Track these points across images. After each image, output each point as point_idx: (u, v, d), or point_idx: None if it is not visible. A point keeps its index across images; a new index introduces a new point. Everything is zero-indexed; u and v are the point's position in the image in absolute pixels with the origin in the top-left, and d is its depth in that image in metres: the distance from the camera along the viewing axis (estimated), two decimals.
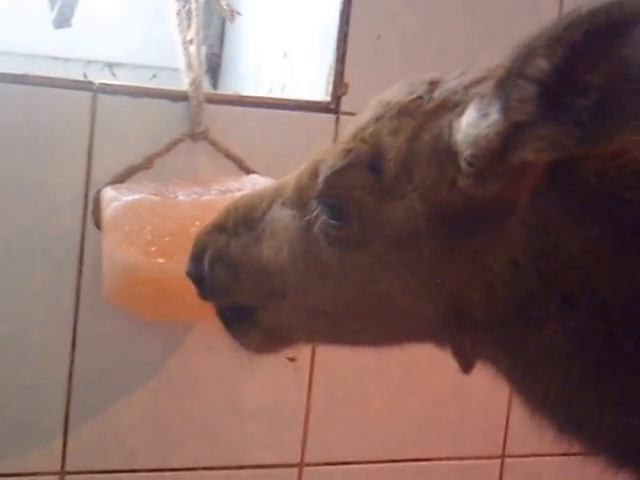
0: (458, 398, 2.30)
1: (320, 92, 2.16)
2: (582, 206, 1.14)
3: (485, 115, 1.09)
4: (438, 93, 1.22)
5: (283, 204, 1.38)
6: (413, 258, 1.20)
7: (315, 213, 1.29)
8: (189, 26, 2.08)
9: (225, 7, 2.16)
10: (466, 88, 1.20)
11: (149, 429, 2.08)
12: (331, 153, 1.29)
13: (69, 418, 2.02)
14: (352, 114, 2.05)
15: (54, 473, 2.02)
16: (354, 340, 1.41)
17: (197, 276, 1.50)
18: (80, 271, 1.98)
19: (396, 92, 1.27)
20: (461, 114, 1.15)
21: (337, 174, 1.25)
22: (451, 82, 1.23)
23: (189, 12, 2.09)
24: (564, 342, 1.15)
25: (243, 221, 1.44)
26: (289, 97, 2.19)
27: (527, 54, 1.02)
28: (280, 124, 2.09)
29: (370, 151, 1.23)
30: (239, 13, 2.20)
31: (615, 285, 1.13)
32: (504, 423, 2.36)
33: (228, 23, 2.57)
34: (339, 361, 2.18)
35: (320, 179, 1.28)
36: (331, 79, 2.13)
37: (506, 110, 1.06)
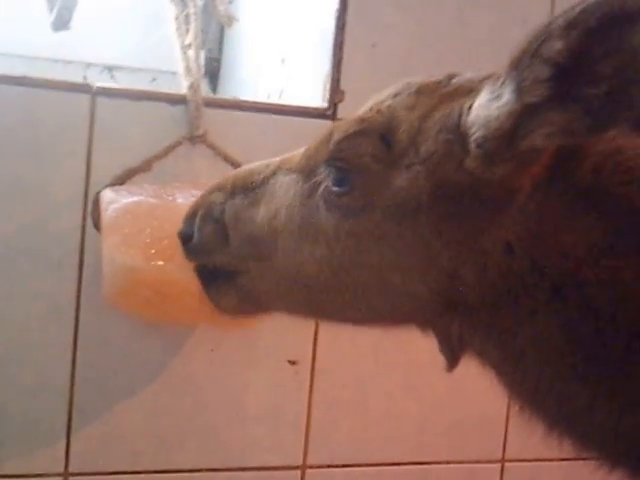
0: (458, 402, 2.30)
1: (317, 98, 2.18)
2: (578, 199, 1.16)
3: (498, 96, 1.11)
4: (456, 80, 1.27)
5: (289, 169, 1.40)
6: (410, 232, 1.22)
7: (320, 177, 1.31)
8: (187, 31, 2.09)
9: (223, 13, 2.18)
10: (482, 79, 1.22)
11: (151, 431, 2.09)
12: (346, 121, 1.32)
13: (72, 420, 2.03)
14: None
15: (58, 474, 2.03)
16: (333, 314, 1.41)
17: (187, 234, 1.51)
18: (80, 272, 1.99)
19: (417, 78, 1.30)
20: (474, 97, 1.18)
21: (349, 138, 1.28)
22: (469, 74, 1.27)
23: (187, 17, 2.10)
24: (554, 335, 1.16)
25: (242, 183, 1.46)
26: (287, 103, 2.22)
27: (543, 35, 1.04)
28: (278, 129, 2.10)
29: (384, 122, 1.26)
30: (236, 19, 2.21)
31: (604, 281, 1.14)
32: (504, 427, 2.37)
33: (227, 28, 2.58)
34: (340, 365, 2.20)
35: (332, 141, 1.30)
36: (328, 86, 2.15)
37: (519, 90, 1.07)
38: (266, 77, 2.47)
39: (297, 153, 1.42)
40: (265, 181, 1.43)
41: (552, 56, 1.03)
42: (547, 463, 2.38)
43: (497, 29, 2.20)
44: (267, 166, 1.45)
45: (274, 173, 1.43)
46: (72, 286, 1.99)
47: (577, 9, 1.00)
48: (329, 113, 2.14)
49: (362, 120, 1.29)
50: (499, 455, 2.38)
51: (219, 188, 1.49)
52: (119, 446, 2.07)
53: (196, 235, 1.49)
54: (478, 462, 2.37)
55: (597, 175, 1.16)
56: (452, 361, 1.30)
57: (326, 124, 2.10)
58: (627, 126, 1.04)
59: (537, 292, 1.16)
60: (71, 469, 2.04)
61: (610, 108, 1.02)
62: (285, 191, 1.38)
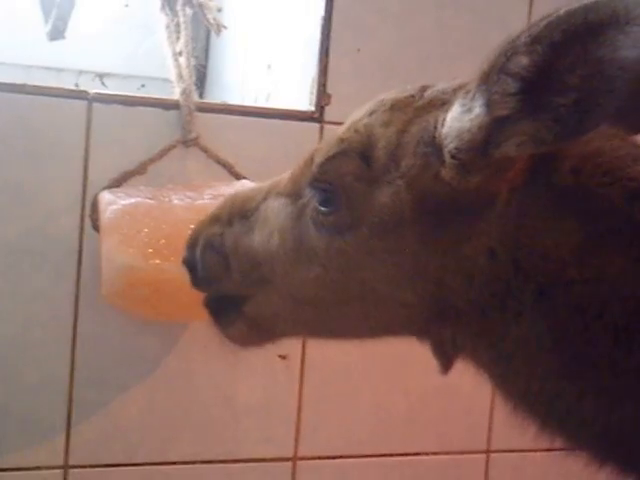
0: (444, 395, 2.33)
1: (304, 102, 2.22)
2: (558, 201, 1.17)
3: (469, 109, 1.13)
4: (429, 92, 1.27)
5: (278, 194, 1.41)
6: (397, 245, 1.23)
7: (307, 199, 1.33)
8: (178, 39, 2.13)
9: (212, 21, 2.21)
10: (455, 90, 1.23)
11: (148, 424, 2.11)
12: (326, 142, 1.33)
13: (71, 414, 2.05)
14: (335, 123, 2.14)
15: (58, 467, 2.05)
16: (337, 331, 1.43)
17: (190, 263, 1.52)
18: (79, 272, 2.02)
19: (390, 93, 1.32)
20: (448, 110, 1.19)
21: (330, 160, 1.29)
22: (441, 85, 1.28)
23: (178, 25, 2.14)
24: (542, 335, 1.17)
25: (238, 212, 1.46)
26: (276, 107, 2.25)
27: (509, 50, 1.05)
28: (268, 132, 2.14)
29: (362, 141, 1.27)
30: (225, 26, 2.24)
31: (588, 279, 1.15)
32: (488, 419, 2.39)
33: (213, 36, 2.62)
34: (329, 359, 2.23)
35: (314, 165, 1.32)
36: (314, 90, 2.19)
37: (488, 104, 1.09)
38: (252, 82, 2.51)
39: (284, 176, 1.43)
40: (257, 207, 1.44)
41: (519, 71, 1.05)
42: (531, 454, 2.41)
43: (476, 31, 2.25)
44: (258, 192, 1.47)
45: (265, 198, 1.44)
46: (71, 286, 2.02)
47: (541, 24, 1.02)
48: (316, 116, 2.18)
49: (341, 140, 1.30)
50: (484, 446, 2.41)
51: (216, 219, 1.50)
52: (117, 439, 2.10)
53: (200, 266, 1.50)
54: (464, 453, 2.39)
55: (577, 176, 1.17)
56: (446, 365, 1.31)
57: (313, 127, 2.17)
58: (606, 124, 1.06)
59: (523, 294, 1.17)
60: (71, 462, 2.06)
61: (579, 116, 1.04)
62: (276, 215, 1.39)
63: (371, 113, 1.30)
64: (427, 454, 2.36)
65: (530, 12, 2.32)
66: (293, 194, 1.38)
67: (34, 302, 2.01)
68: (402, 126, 1.25)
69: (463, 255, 1.19)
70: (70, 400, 2.05)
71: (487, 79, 1.09)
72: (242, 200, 1.49)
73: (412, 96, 1.28)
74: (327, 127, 2.18)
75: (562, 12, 1.00)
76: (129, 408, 2.10)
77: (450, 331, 1.26)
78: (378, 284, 1.27)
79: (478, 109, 1.11)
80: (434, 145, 1.19)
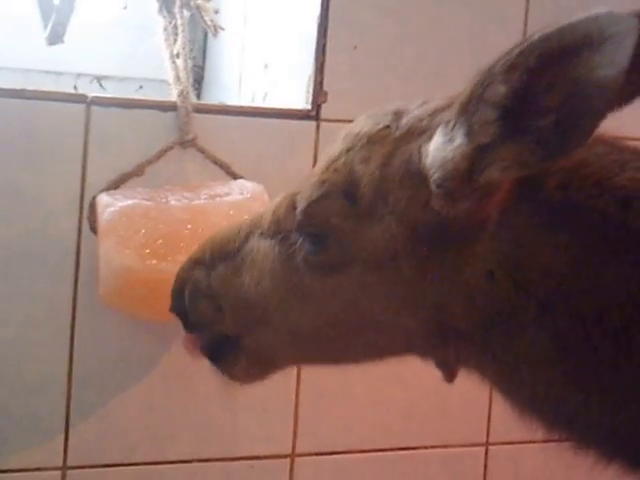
0: (442, 389, 2.19)
1: (301, 100, 2.22)
2: (550, 218, 1.18)
3: (450, 139, 1.13)
4: (405, 121, 1.26)
5: (261, 234, 1.41)
6: (393, 278, 1.24)
7: (296, 244, 1.32)
8: (175, 41, 2.14)
9: (209, 22, 2.21)
10: (431, 115, 1.24)
11: (146, 424, 2.12)
12: (306, 185, 1.32)
13: (70, 415, 2.06)
14: (332, 121, 2.15)
15: (56, 468, 2.06)
16: (338, 359, 1.44)
17: (180, 311, 1.53)
18: (77, 273, 2.02)
19: (363, 124, 1.31)
20: (429, 139, 1.19)
21: (314, 204, 1.29)
22: (416, 111, 1.27)
23: (175, 27, 2.15)
24: (545, 346, 1.18)
25: (220, 254, 1.46)
26: (272, 106, 2.26)
27: (486, 80, 1.06)
28: (264, 131, 2.15)
29: (344, 180, 1.27)
30: (222, 28, 2.25)
31: (588, 289, 1.16)
32: (487, 412, 2.39)
33: (210, 37, 2.63)
34: None
35: (298, 211, 1.32)
36: (311, 88, 2.19)
37: (469, 133, 1.10)
38: (249, 82, 2.52)
39: (265, 214, 1.42)
40: (241, 247, 1.43)
41: (496, 100, 1.06)
42: (530, 445, 2.40)
43: (474, 28, 2.25)
44: (237, 232, 1.46)
45: (247, 239, 1.43)
46: (69, 287, 2.03)
47: (515, 51, 1.02)
48: (313, 114, 2.18)
49: (322, 182, 1.29)
50: (483, 439, 2.42)
51: (198, 262, 1.50)
52: (115, 439, 2.10)
53: (190, 313, 1.50)
54: (463, 446, 2.40)
55: (565, 191, 1.18)
56: (450, 375, 1.35)
57: (310, 125, 2.18)
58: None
59: (525, 312, 1.18)
60: (69, 463, 2.07)
61: (560, 137, 1.05)
62: (264, 257, 1.39)
63: (348, 150, 1.29)
64: (426, 448, 2.37)
65: (527, 9, 2.30)
66: (279, 236, 1.37)
67: (32, 303, 2.01)
68: (383, 160, 1.25)
69: (462, 280, 1.20)
70: (68, 401, 2.06)
71: (466, 109, 1.10)
72: (222, 240, 1.48)
73: (387, 127, 1.28)
74: (324, 125, 2.18)
75: (536, 37, 1.01)
76: (127, 408, 2.10)
77: (453, 349, 1.27)
78: (377, 315, 1.28)
79: (459, 139, 1.12)
80: (420, 176, 1.19)
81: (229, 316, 1.45)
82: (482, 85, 1.07)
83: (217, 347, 1.51)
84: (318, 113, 2.19)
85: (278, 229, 1.38)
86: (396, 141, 1.25)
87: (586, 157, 1.20)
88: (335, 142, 1.34)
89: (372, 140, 1.28)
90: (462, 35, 2.27)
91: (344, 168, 1.28)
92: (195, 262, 1.51)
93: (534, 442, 2.34)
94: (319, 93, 2.19)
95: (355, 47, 2.22)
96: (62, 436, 2.06)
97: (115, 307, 1.93)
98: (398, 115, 1.29)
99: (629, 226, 1.16)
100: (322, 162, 1.33)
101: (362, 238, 1.25)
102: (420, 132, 1.23)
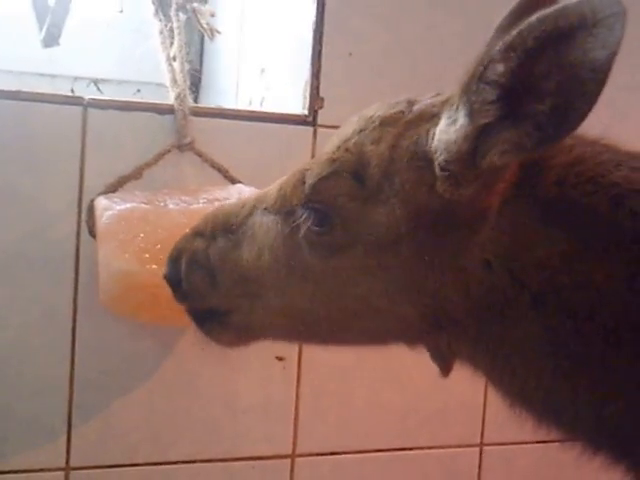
0: (438, 391, 2.35)
1: (297, 105, 2.23)
2: (546, 212, 1.20)
3: (453, 121, 1.17)
4: (417, 107, 1.30)
5: (265, 210, 1.42)
6: (393, 262, 1.25)
7: (300, 220, 1.33)
8: (172, 44, 2.14)
9: (205, 26, 2.22)
10: (443, 103, 1.26)
11: (148, 425, 2.13)
12: (317, 162, 1.34)
13: (72, 417, 2.07)
14: (328, 126, 2.16)
15: (60, 469, 2.07)
16: (329, 341, 1.46)
17: (173, 279, 1.53)
18: (76, 276, 2.03)
19: (377, 108, 1.33)
20: (437, 123, 1.22)
21: (323, 181, 1.30)
22: (428, 100, 1.30)
23: (171, 31, 2.15)
24: (537, 338, 1.20)
25: (222, 226, 1.47)
26: (269, 110, 2.27)
27: (486, 59, 1.09)
28: (261, 136, 2.16)
29: (354, 160, 1.29)
30: (218, 31, 2.26)
31: (579, 285, 1.18)
32: (481, 413, 2.41)
33: (207, 41, 2.63)
34: (325, 358, 2.24)
35: (307, 185, 1.33)
36: (307, 94, 2.21)
37: (470, 113, 1.13)
38: (246, 87, 2.53)
39: (270, 190, 1.44)
40: (244, 222, 1.44)
41: (495, 79, 1.09)
42: (523, 446, 2.44)
43: (467, 35, 2.26)
44: (242, 206, 1.47)
45: (251, 213, 1.44)
46: (69, 290, 2.03)
47: (514, 32, 1.06)
48: (309, 120, 2.20)
49: (333, 161, 1.31)
50: (477, 440, 2.44)
51: (199, 233, 1.50)
52: (117, 441, 2.11)
53: (185, 282, 1.50)
54: (458, 447, 2.42)
55: (561, 187, 1.20)
56: (445, 368, 1.35)
57: (306, 130, 2.19)
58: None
59: (519, 303, 1.21)
60: (72, 464, 2.08)
61: (557, 121, 1.08)
62: (266, 232, 1.40)
63: (360, 131, 1.32)
64: (422, 448, 2.39)
65: None
66: (283, 212, 1.39)
67: (33, 307, 2.02)
68: (393, 141, 1.27)
69: (459, 268, 1.23)
70: (70, 403, 2.07)
71: (467, 89, 1.13)
72: (225, 214, 1.49)
73: (401, 112, 1.30)
74: (320, 130, 2.20)
75: (534, 19, 1.04)
76: (129, 410, 2.12)
77: (446, 339, 1.29)
78: (374, 299, 1.29)
79: (462, 119, 1.15)
80: (427, 159, 1.22)
81: (223, 290, 1.46)
82: (482, 64, 1.10)
83: (205, 315, 1.52)
84: (315, 119, 2.21)
85: (284, 204, 1.39)
86: (407, 124, 1.28)
87: (582, 154, 1.23)
88: (347, 123, 1.36)
89: (384, 122, 1.30)
90: (455, 42, 2.29)
91: (355, 148, 1.30)
92: (196, 233, 1.52)
93: (527, 443, 2.42)
94: (315, 99, 2.21)
95: (350, 54, 2.24)
96: (65, 437, 2.07)
97: (115, 311, 1.94)
98: (411, 103, 1.32)
99: (620, 225, 1.18)
100: (334, 141, 1.35)
101: (366, 220, 1.27)
102: (430, 116, 1.26)
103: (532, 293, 1.20)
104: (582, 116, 1.07)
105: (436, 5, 2.30)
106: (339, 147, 1.32)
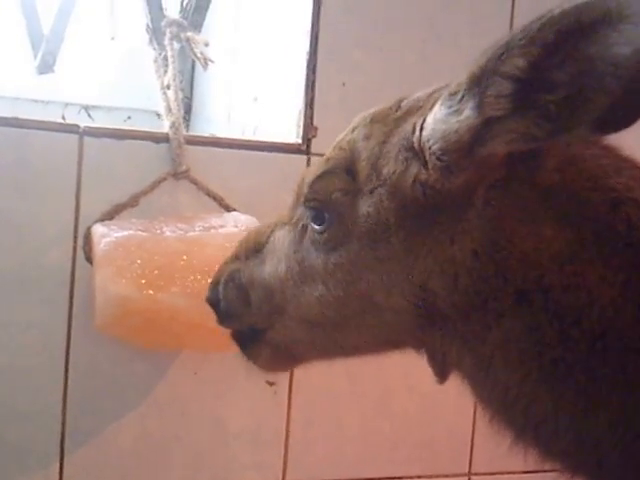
0: (427, 420, 2.36)
1: (290, 134, 2.26)
2: (541, 202, 1.18)
3: (457, 111, 1.15)
4: (405, 103, 1.33)
5: (281, 223, 1.49)
6: (385, 254, 1.27)
7: (303, 220, 1.40)
8: (165, 72, 2.17)
9: (199, 55, 2.24)
10: (429, 96, 1.28)
11: (140, 450, 2.13)
12: (316, 164, 1.40)
13: (64, 442, 2.07)
14: (322, 155, 2.16)
15: None
16: (347, 349, 1.46)
17: (214, 301, 1.59)
18: (71, 302, 2.04)
19: (372, 109, 1.38)
20: (424, 114, 1.22)
21: (318, 179, 1.36)
22: (416, 95, 1.34)
23: (165, 59, 2.18)
24: (520, 338, 1.18)
25: (253, 247, 1.54)
26: (264, 139, 2.28)
27: (502, 53, 1.07)
28: (256, 164, 2.18)
29: (346, 156, 1.33)
30: (212, 61, 2.27)
31: (569, 286, 1.16)
32: (470, 443, 2.41)
33: (198, 69, 2.66)
34: (316, 385, 2.26)
35: (305, 185, 1.39)
36: (301, 123, 2.23)
37: (480, 106, 1.11)
38: (239, 115, 2.55)
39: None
40: (267, 240, 1.51)
41: (515, 72, 1.07)
42: (511, 476, 2.43)
43: (459, 66, 2.22)
44: (268, 226, 1.54)
45: (272, 230, 1.51)
46: (63, 315, 2.04)
47: (535, 26, 1.04)
48: (303, 148, 2.23)
49: (327, 160, 1.37)
50: (466, 469, 2.44)
51: (235, 257, 1.58)
52: (110, 466, 2.11)
53: (223, 303, 1.57)
54: (447, 476, 2.42)
55: (562, 174, 1.18)
56: (441, 375, 1.34)
57: (300, 159, 2.22)
58: (585, 130, 1.08)
59: (502, 296, 1.19)
60: None
61: (568, 112, 1.06)
62: (282, 244, 1.46)
63: (353, 129, 1.37)
64: (411, 477, 2.39)
65: None
66: (293, 220, 1.45)
67: (27, 331, 2.02)
68: (382, 137, 1.30)
69: (447, 257, 1.22)
70: (63, 427, 2.07)
71: (479, 82, 1.12)
72: (255, 235, 1.57)
73: (390, 108, 1.34)
74: (314, 159, 2.21)
75: (556, 13, 1.02)
76: (121, 435, 2.12)
77: (439, 338, 1.28)
78: (373, 294, 1.31)
79: (468, 111, 1.13)
80: (413, 150, 1.23)
81: (255, 307, 1.52)
82: (498, 58, 1.08)
83: (246, 337, 1.59)
84: (308, 147, 2.24)
85: (291, 213, 1.46)
86: (396, 120, 1.30)
87: (582, 154, 1.21)
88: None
89: (374, 119, 1.34)
90: (448, 73, 2.24)
91: (348, 145, 1.35)
92: (233, 257, 1.59)
93: (514, 473, 2.42)
94: (309, 128, 2.24)
95: (344, 84, 2.27)
96: (57, 462, 2.07)
97: (112, 336, 1.95)
98: (401, 100, 1.35)
99: (615, 228, 1.16)
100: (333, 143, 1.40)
101: (358, 213, 1.30)
102: (417, 110, 1.27)
103: (516, 288, 1.18)
104: (597, 110, 1.06)
105: (429, 37, 2.33)
106: (334, 147, 1.38)
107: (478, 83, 1.12)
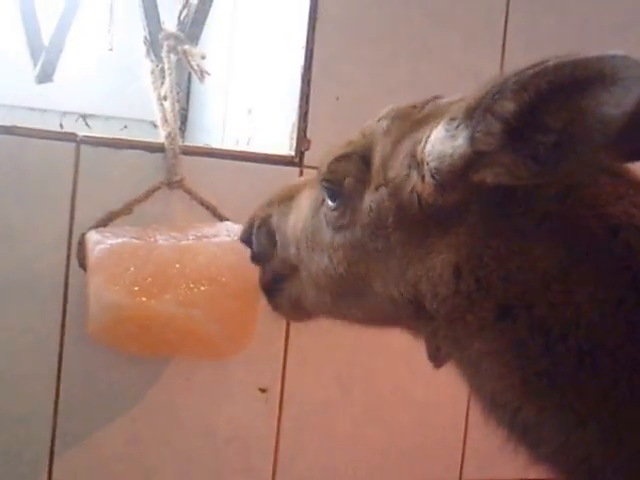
0: (418, 428, 2.37)
1: (283, 145, 2.28)
2: (536, 226, 1.18)
3: (452, 136, 1.16)
4: (430, 105, 1.35)
5: (311, 183, 1.54)
6: (383, 246, 1.31)
7: (322, 194, 1.44)
8: (162, 83, 2.19)
9: (196, 67, 2.25)
10: (450, 104, 1.28)
11: (131, 456, 2.14)
12: (340, 144, 1.43)
13: (54, 447, 2.07)
14: (315, 167, 2.17)
15: None
16: (350, 318, 1.51)
17: (247, 240, 1.73)
18: (65, 307, 2.05)
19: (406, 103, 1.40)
20: (434, 127, 1.22)
21: (336, 161, 1.40)
22: (446, 99, 1.34)
23: (162, 71, 2.20)
24: (504, 351, 1.19)
25: (286, 195, 1.63)
26: (257, 151, 2.31)
27: (497, 93, 1.08)
28: (249, 175, 2.20)
29: (365, 144, 1.37)
30: (208, 73, 2.29)
31: (556, 304, 1.15)
32: (461, 450, 2.40)
33: (194, 81, 2.68)
34: (307, 392, 2.27)
35: (325, 164, 1.43)
36: (295, 135, 2.26)
37: (472, 139, 1.12)
38: (233, 126, 2.58)
39: None
40: (299, 192, 1.59)
41: (504, 115, 1.07)
42: None
43: (450, 82, 2.29)
44: (305, 181, 1.62)
45: (304, 186, 1.59)
46: (56, 321, 2.05)
47: (529, 73, 1.04)
48: (296, 160, 2.25)
49: (349, 143, 1.40)
50: (457, 475, 2.42)
51: (270, 203, 1.68)
52: (101, 471, 2.12)
53: (255, 244, 1.70)
54: None
55: (561, 204, 1.18)
56: (437, 361, 1.36)
57: (293, 171, 2.24)
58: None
59: (483, 311, 1.19)
60: None
61: (556, 158, 1.07)
62: (305, 204, 1.53)
63: (379, 119, 1.39)
64: None
65: (502, 62, 2.41)
66: (316, 187, 1.50)
67: (20, 336, 2.04)
68: (398, 137, 1.32)
69: (431, 266, 1.24)
70: (53, 433, 2.08)
71: (472, 115, 1.12)
72: (291, 186, 1.66)
73: (415, 107, 1.36)
74: (307, 171, 2.24)
75: (550, 64, 1.03)
76: (113, 440, 2.13)
77: (431, 331, 1.31)
78: (372, 280, 1.35)
79: (461, 140, 1.14)
80: (416, 159, 1.25)
81: (279, 251, 1.63)
82: (491, 97, 1.09)
83: (271, 288, 1.70)
84: (301, 160, 2.26)
85: (316, 179, 1.51)
86: (414, 123, 1.32)
87: (584, 180, 1.20)
88: None
89: (398, 115, 1.37)
90: (439, 88, 2.27)
91: (369, 134, 1.38)
92: (268, 202, 1.70)
93: None
94: (302, 140, 2.26)
95: (337, 98, 2.30)
96: (46, 469, 2.08)
97: (103, 342, 1.96)
98: (429, 100, 1.36)
99: (613, 251, 1.15)
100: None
101: (363, 203, 1.34)
102: (434, 118, 1.26)
103: (498, 305, 1.19)
104: (584, 160, 1.08)
105: (420, 52, 2.35)
106: (359, 131, 1.41)
107: (471, 116, 1.12)
